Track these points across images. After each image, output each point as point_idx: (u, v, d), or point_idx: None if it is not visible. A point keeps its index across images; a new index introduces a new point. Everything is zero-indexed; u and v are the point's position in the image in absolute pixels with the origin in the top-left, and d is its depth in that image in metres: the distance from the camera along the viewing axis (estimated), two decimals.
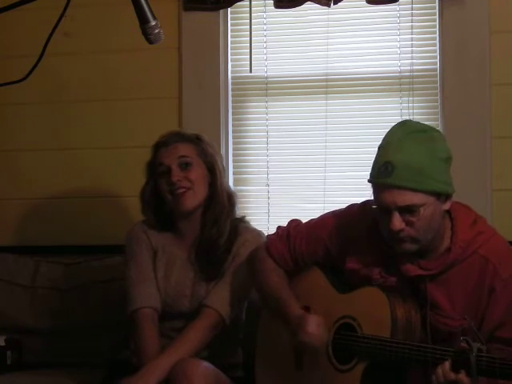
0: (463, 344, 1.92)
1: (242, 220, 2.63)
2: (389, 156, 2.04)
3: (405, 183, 2.00)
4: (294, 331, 2.21)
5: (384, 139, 2.11)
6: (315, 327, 2.17)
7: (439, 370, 1.95)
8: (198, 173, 2.52)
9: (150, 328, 2.46)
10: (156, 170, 2.55)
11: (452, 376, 1.92)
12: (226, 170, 2.65)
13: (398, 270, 2.15)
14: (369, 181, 2.11)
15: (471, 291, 2.11)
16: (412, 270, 2.13)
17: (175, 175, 2.49)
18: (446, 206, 2.09)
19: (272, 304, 2.35)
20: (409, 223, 2.04)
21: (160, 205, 2.57)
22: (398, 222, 2.03)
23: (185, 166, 2.51)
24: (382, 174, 2.03)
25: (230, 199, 2.58)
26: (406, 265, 2.14)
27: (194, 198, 2.51)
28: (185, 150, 2.53)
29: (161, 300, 2.52)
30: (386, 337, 2.08)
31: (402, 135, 2.06)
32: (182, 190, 2.49)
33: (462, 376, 1.91)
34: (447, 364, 1.94)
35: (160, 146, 2.55)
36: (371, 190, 2.12)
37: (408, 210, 2.02)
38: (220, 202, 2.54)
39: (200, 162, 2.54)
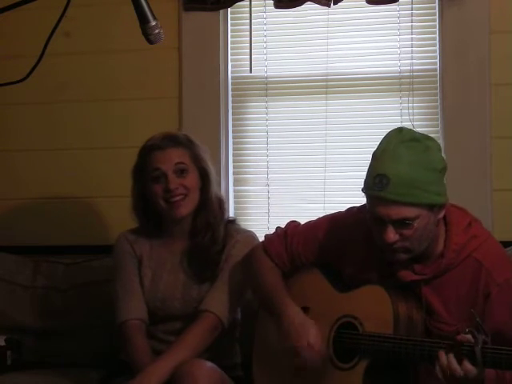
0: (466, 335, 1.90)
1: (233, 222, 2.63)
2: (383, 168, 2.03)
3: (399, 198, 2.00)
4: (287, 336, 2.21)
5: (379, 147, 2.09)
6: (315, 338, 2.17)
7: (442, 357, 1.91)
8: (193, 180, 2.50)
9: (140, 337, 2.45)
10: (148, 174, 2.50)
11: (454, 363, 1.89)
12: (216, 174, 2.62)
13: (393, 275, 2.16)
14: (362, 190, 2.10)
15: (465, 295, 2.10)
16: (406, 275, 2.14)
17: (173, 182, 2.46)
18: (440, 214, 2.09)
19: (267, 304, 2.35)
20: (402, 235, 2.04)
21: (147, 208, 2.55)
22: (391, 234, 2.03)
23: (181, 172, 2.48)
24: (376, 186, 2.02)
25: (221, 205, 2.58)
26: (400, 271, 2.14)
27: (189, 205, 2.49)
28: (181, 156, 2.50)
29: (149, 309, 2.51)
30: (388, 333, 2.07)
31: (396, 144, 2.04)
32: (178, 198, 2.47)
33: (468, 366, 1.88)
34: (450, 356, 1.91)
35: (154, 149, 2.50)
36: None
37: (402, 223, 2.02)
38: (212, 209, 2.53)
39: (194, 168, 2.51)
